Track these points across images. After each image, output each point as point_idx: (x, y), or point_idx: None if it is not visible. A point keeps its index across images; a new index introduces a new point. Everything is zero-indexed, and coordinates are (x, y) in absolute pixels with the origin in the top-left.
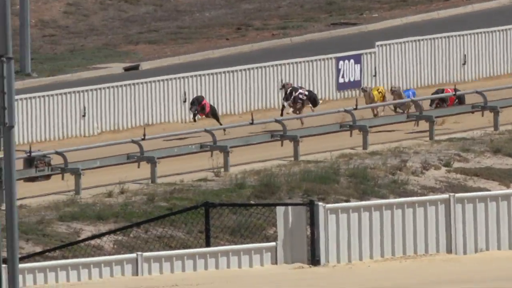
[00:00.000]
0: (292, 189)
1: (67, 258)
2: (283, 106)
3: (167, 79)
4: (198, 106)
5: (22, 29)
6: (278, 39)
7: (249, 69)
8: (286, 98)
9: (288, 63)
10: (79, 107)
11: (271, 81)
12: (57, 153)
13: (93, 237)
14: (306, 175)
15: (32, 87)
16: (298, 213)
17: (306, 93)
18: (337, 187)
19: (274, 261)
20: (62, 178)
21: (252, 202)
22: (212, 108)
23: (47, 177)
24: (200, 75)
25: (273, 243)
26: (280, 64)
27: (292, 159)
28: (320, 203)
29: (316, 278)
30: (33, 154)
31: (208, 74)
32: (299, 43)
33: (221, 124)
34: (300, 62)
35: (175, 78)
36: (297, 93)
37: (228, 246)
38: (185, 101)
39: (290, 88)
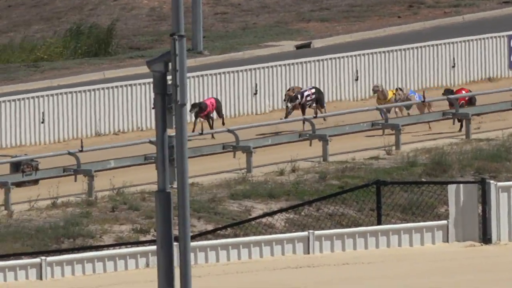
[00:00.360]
0: (463, 167)
1: (238, 236)
2: (287, 108)
3: (338, 57)
4: (202, 114)
5: (194, 7)
6: (450, 17)
7: (421, 47)
8: (291, 100)
9: (460, 41)
10: (250, 85)
11: (443, 59)
12: (228, 131)
13: (265, 215)
14: (477, 153)
15: (204, 65)
16: (469, 191)
17: (313, 91)
18: (509, 165)
19: (446, 239)
20: (234, 156)
21: (423, 180)
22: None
23: (35, 182)
24: (372, 53)
25: (444, 221)
26: (452, 42)
27: (464, 137)
28: (491, 181)
29: (487, 256)
30: (19, 158)
31: (380, 52)
32: (471, 21)
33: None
34: (471, 40)
35: (347, 56)
36: (303, 100)
37: (399, 224)
38: (357, 79)
39: (296, 92)
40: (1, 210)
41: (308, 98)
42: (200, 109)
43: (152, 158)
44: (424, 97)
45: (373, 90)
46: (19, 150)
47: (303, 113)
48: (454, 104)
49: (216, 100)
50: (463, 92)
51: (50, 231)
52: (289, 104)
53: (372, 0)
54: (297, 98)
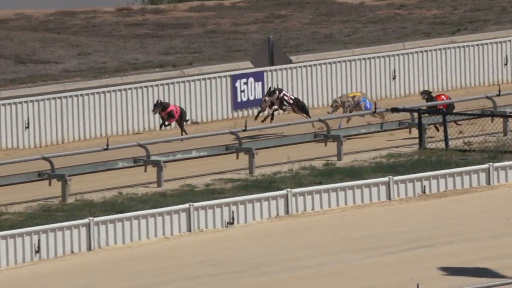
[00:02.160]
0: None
1: None
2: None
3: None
4: (164, 112)
5: None
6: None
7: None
8: (269, 94)
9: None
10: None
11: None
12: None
13: None
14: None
15: None
16: None
17: (292, 98)
18: None
19: None
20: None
21: None
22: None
23: None
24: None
25: None
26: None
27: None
28: None
29: None
30: None
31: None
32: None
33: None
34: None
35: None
36: (281, 94)
37: None
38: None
39: (274, 87)
40: None
41: (286, 98)
42: (169, 117)
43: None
44: (375, 107)
45: (332, 105)
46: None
47: (270, 108)
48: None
49: (181, 108)
50: (443, 98)
51: None
52: (267, 98)
53: None
54: (274, 93)
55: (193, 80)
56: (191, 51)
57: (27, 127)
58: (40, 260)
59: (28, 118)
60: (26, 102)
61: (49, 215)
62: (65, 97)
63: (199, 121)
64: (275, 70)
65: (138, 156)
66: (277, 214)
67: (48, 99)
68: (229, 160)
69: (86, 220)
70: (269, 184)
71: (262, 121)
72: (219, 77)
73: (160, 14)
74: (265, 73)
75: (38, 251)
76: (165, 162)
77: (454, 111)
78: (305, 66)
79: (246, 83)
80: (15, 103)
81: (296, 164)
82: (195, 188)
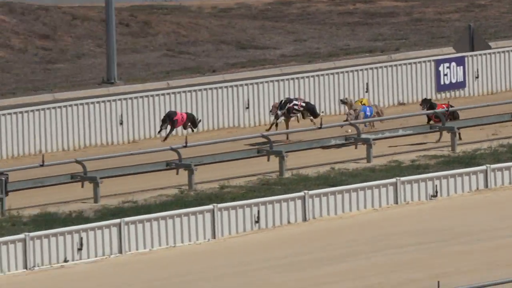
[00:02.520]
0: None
1: None
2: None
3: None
4: (170, 123)
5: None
6: None
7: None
8: (281, 107)
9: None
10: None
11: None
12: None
13: None
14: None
15: None
16: None
17: (303, 104)
18: None
19: None
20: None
21: None
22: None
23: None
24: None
25: None
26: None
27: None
28: None
29: None
30: None
31: None
32: None
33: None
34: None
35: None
36: (291, 104)
37: None
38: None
39: (284, 99)
40: None
41: (296, 108)
42: (171, 123)
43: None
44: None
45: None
46: None
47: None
48: (441, 118)
49: (187, 114)
50: (444, 106)
51: None
52: (279, 112)
53: None
54: (286, 105)
55: (400, 65)
56: (397, 38)
57: (247, 108)
58: (259, 230)
59: (248, 99)
60: (246, 84)
61: (267, 189)
62: (282, 80)
63: (405, 102)
64: (475, 55)
65: (349, 134)
66: (477, 188)
67: (267, 81)
68: (431, 138)
69: (301, 193)
70: (470, 160)
71: (268, 130)
72: (424, 61)
73: (370, 3)
74: (466, 58)
75: (257, 221)
76: (374, 139)
77: None
78: (503, 51)
79: (448, 67)
80: (236, 86)
81: (494, 142)
82: (401, 164)
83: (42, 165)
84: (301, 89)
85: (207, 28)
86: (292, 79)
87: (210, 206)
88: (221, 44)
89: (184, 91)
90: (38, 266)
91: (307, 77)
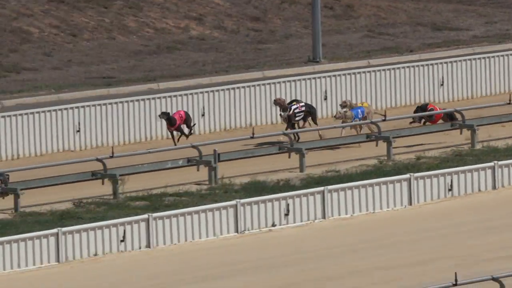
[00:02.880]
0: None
1: None
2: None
3: None
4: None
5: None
6: None
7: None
8: (283, 111)
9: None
10: None
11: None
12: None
13: None
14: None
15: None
16: None
17: (303, 108)
18: None
19: None
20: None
21: None
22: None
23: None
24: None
25: None
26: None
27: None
28: None
29: None
30: None
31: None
32: None
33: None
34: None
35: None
36: (291, 112)
37: None
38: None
39: (286, 103)
40: None
41: (297, 110)
42: (169, 122)
43: None
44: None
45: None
46: None
47: (290, 126)
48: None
49: (186, 112)
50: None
51: None
52: (282, 113)
53: None
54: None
55: None
56: None
57: (441, 85)
58: (452, 197)
59: (442, 77)
60: (441, 63)
61: (460, 159)
62: (474, 59)
63: None
64: None
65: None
66: None
67: (460, 60)
68: None
69: (491, 163)
70: None
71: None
72: None
73: None
74: None
75: (450, 189)
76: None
77: None
78: None
79: None
80: (431, 64)
81: None
82: None
83: (252, 137)
84: (491, 67)
85: (405, 11)
86: (484, 58)
87: (407, 175)
88: (418, 26)
89: (384, 69)
90: (248, 230)
91: (497, 56)
